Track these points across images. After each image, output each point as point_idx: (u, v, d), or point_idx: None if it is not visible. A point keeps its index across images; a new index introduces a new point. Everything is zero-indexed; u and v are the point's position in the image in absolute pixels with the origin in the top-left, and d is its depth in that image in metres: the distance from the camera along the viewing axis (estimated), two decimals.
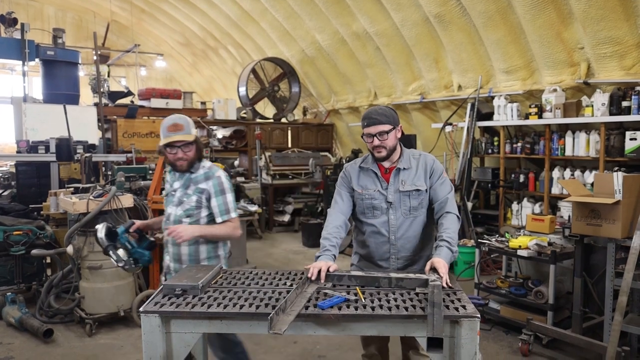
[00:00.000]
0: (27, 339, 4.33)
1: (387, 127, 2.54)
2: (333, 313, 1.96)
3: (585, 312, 3.96)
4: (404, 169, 2.62)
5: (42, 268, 5.34)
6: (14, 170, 7.40)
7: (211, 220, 2.83)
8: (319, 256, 2.49)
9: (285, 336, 1.88)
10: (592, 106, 5.53)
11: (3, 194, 7.21)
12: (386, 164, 2.64)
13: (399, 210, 2.61)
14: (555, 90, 5.96)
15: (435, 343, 1.61)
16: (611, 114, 5.38)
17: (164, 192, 2.97)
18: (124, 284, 4.61)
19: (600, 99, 5.43)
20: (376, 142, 2.54)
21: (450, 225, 2.47)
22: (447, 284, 2.20)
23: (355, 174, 2.70)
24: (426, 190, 2.62)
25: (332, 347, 4.07)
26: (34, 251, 4.81)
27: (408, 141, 7.97)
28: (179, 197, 2.82)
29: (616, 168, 5.28)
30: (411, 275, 2.32)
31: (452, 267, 6.08)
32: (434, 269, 2.26)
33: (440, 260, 2.27)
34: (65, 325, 4.61)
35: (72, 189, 5.32)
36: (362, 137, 2.65)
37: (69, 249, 4.44)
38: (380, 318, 1.96)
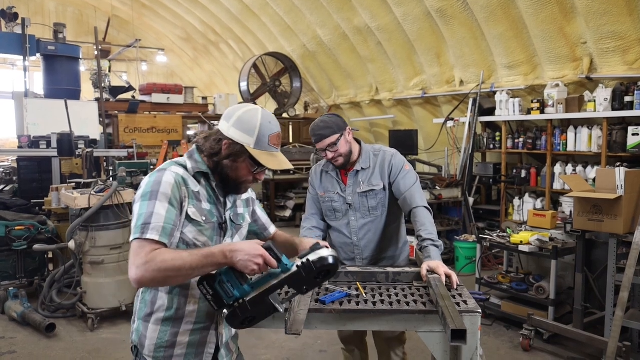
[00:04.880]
0: (30, 334, 4.34)
1: (333, 139, 2.51)
2: (334, 308, 1.96)
3: (586, 308, 3.96)
4: (362, 169, 2.62)
5: (44, 263, 5.36)
6: (15, 165, 7.41)
7: None
8: None
9: None
10: (595, 101, 5.51)
11: (5, 189, 7.22)
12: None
13: (358, 211, 2.63)
14: (557, 85, 5.94)
15: (458, 335, 1.64)
16: (614, 109, 5.36)
17: (200, 219, 1.69)
18: (126, 279, 4.56)
19: (603, 94, 5.41)
20: (329, 155, 2.54)
21: (424, 221, 2.45)
22: (454, 282, 2.17)
23: (318, 177, 2.73)
24: (384, 188, 2.60)
25: (333, 342, 4.07)
26: (36, 246, 4.82)
27: (409, 137, 7.98)
28: (232, 219, 1.83)
29: (618, 163, 5.27)
30: (407, 269, 2.33)
31: (452, 262, 6.14)
32: (431, 272, 2.24)
33: (436, 262, 2.24)
34: (67, 320, 4.63)
35: (73, 184, 5.33)
36: (315, 152, 2.65)
37: (71, 244, 4.45)
38: (381, 313, 1.96)
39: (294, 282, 1.54)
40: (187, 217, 1.65)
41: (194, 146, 1.78)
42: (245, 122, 1.69)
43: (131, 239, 1.57)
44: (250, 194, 1.98)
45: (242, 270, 1.51)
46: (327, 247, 1.60)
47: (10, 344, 4.15)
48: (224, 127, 1.71)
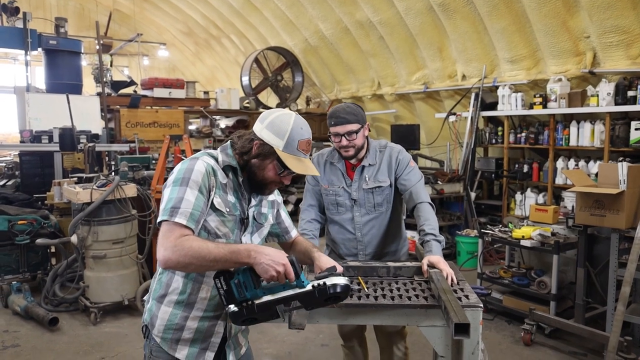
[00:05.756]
0: (33, 327, 4.37)
1: (355, 127, 2.48)
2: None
3: (587, 302, 3.96)
4: (369, 165, 2.60)
5: (46, 257, 5.38)
6: (17, 160, 7.42)
7: None
8: None
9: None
10: (598, 96, 5.49)
11: (7, 183, 7.23)
12: (353, 161, 2.61)
13: (363, 207, 2.61)
14: (560, 79, 5.92)
15: (461, 328, 1.65)
16: (616, 103, 5.34)
17: (224, 210, 1.73)
18: (128, 273, 4.64)
19: (606, 89, 5.39)
20: (344, 142, 2.49)
21: (428, 216, 2.46)
22: (452, 280, 2.16)
23: (321, 168, 2.68)
24: (390, 184, 2.60)
25: (334, 337, 4.08)
26: (39, 240, 4.84)
27: (411, 131, 7.96)
28: (254, 218, 1.87)
29: (621, 158, 5.25)
30: (408, 264, 2.33)
31: (454, 257, 6.14)
32: (431, 266, 2.24)
33: (436, 257, 2.25)
34: (70, 313, 4.65)
35: (75, 178, 5.33)
36: (328, 135, 2.60)
37: (73, 239, 4.47)
38: (383, 308, 1.96)
39: (305, 299, 1.59)
40: (212, 206, 1.71)
41: (228, 142, 1.84)
42: (278, 125, 1.74)
43: (159, 220, 1.63)
44: (276, 196, 2.01)
45: (260, 274, 1.54)
46: (342, 274, 1.68)
47: (14, 338, 4.18)
48: (258, 128, 1.77)
